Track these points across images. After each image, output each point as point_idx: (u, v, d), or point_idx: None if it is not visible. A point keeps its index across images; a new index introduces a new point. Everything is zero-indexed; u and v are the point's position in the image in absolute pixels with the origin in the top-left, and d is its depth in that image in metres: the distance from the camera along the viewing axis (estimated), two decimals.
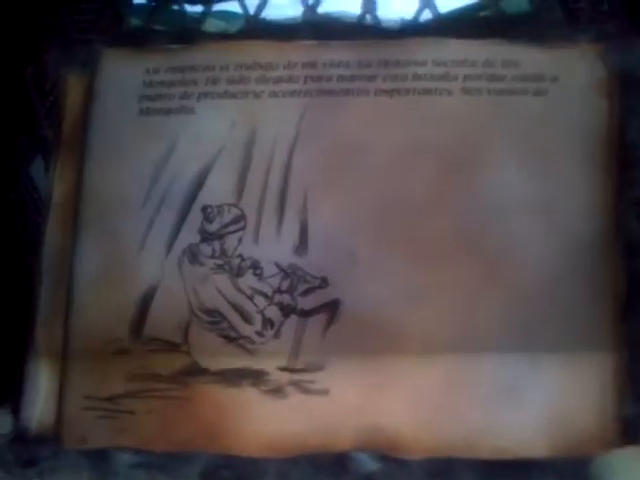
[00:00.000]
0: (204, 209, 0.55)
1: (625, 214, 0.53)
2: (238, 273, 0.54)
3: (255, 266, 0.54)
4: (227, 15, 0.61)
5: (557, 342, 0.52)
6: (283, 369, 0.52)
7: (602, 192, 0.54)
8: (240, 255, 0.55)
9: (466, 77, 0.56)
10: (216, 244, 0.55)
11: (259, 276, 0.54)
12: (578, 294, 0.53)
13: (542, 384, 0.51)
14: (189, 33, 0.59)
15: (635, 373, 0.51)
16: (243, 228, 0.55)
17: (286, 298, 0.54)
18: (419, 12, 0.59)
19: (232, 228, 0.55)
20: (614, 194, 0.54)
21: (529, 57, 0.56)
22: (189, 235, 0.55)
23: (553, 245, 0.53)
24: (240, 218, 0.55)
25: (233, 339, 0.53)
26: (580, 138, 0.55)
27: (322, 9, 0.59)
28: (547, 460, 0.50)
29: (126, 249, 0.55)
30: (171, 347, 0.53)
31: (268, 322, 0.54)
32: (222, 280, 0.54)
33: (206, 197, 0.55)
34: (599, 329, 0.52)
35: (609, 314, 0.52)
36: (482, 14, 0.59)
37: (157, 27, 0.60)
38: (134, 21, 0.61)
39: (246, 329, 0.54)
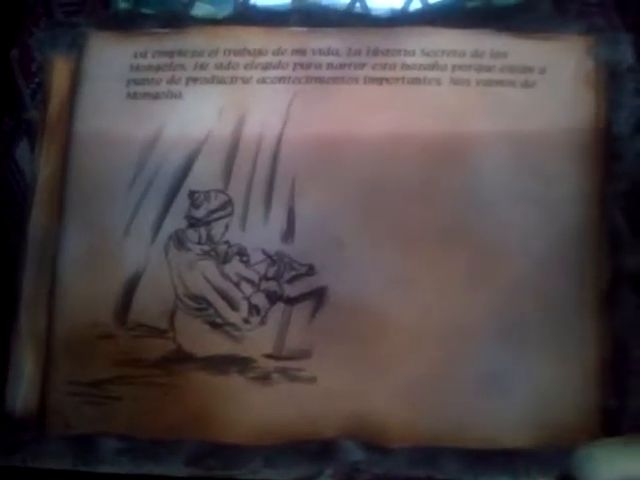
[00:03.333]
0: (191, 195, 0.55)
1: (610, 206, 0.54)
2: (224, 259, 0.54)
3: (242, 253, 0.54)
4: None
5: (542, 333, 0.52)
6: (269, 356, 0.52)
7: (588, 184, 0.54)
8: (227, 241, 0.54)
9: (455, 67, 0.56)
10: (203, 230, 0.55)
11: (246, 263, 0.54)
12: (563, 285, 0.53)
13: (527, 374, 0.52)
14: (177, 17, 0.59)
15: (618, 365, 0.52)
16: (230, 214, 0.55)
17: (272, 285, 0.54)
18: (409, 1, 0.59)
19: (219, 214, 0.55)
20: (600, 186, 0.54)
21: (518, 48, 0.56)
22: (176, 221, 0.55)
23: (539, 236, 0.53)
24: (227, 204, 0.55)
25: (219, 326, 0.53)
26: (567, 130, 0.55)
27: None
28: (531, 450, 0.50)
29: (112, 233, 0.55)
30: (157, 333, 0.53)
31: (254, 309, 0.53)
32: (208, 266, 0.54)
33: (193, 182, 0.55)
34: (583, 321, 0.52)
35: (593, 306, 0.53)
36: (472, 4, 0.59)
37: (145, 10, 0.59)
38: (121, 4, 0.60)
39: (232, 316, 0.53)
